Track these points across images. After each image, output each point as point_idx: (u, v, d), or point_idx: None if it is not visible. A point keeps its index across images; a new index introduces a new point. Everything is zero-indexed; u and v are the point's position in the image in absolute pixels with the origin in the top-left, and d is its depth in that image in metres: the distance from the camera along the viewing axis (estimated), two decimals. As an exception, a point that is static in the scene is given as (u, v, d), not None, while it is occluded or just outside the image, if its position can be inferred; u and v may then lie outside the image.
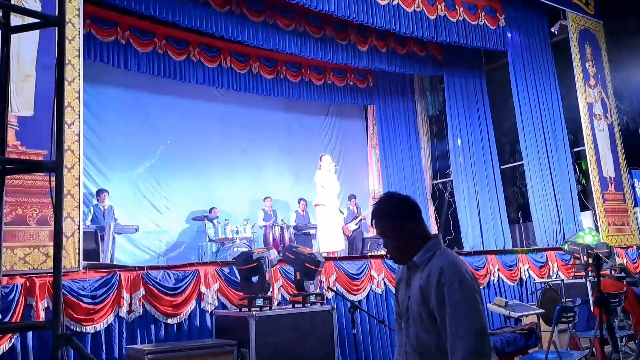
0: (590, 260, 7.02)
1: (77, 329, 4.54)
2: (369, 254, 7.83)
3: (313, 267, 5.21)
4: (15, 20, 2.39)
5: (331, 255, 7.45)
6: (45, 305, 4.42)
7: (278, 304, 5.56)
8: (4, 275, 4.25)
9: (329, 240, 8.93)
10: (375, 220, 2.25)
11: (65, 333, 1.96)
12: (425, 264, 2.13)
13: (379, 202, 2.28)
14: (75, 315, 4.55)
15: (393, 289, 6.51)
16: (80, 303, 4.59)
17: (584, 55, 9.90)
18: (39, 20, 2.05)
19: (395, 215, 2.20)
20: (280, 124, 12.02)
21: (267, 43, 8.79)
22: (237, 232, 9.27)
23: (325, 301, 5.41)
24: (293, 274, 5.45)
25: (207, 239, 9.49)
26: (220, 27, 8.24)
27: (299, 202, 10.74)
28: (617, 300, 5.88)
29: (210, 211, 9.92)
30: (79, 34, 5.32)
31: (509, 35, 9.78)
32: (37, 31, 4.98)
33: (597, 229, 9.10)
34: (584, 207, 9.68)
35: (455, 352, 1.95)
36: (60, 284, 2.00)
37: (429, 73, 11.28)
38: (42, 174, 4.63)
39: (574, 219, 9.28)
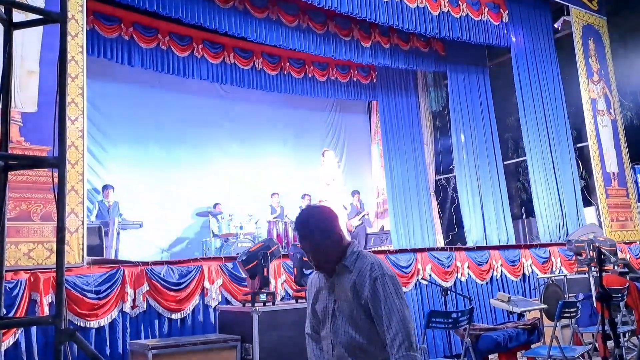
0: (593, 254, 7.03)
1: (81, 324, 4.57)
2: (372, 249, 7.85)
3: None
4: (18, 16, 2.40)
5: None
6: (50, 301, 4.45)
7: (281, 299, 5.57)
8: (8, 271, 4.28)
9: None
10: (303, 237, 2.34)
11: (68, 328, 1.98)
12: (354, 265, 2.29)
13: (304, 219, 2.38)
14: (79, 311, 4.58)
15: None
16: (84, 298, 4.62)
17: (587, 51, 9.87)
18: (41, 17, 2.06)
19: (324, 228, 2.32)
20: (283, 120, 12.03)
21: (270, 39, 8.80)
22: (241, 228, 9.30)
23: (328, 297, 5.41)
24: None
25: (211, 235, 9.53)
26: (223, 23, 8.25)
27: (303, 198, 10.76)
28: (619, 295, 5.88)
29: (214, 207, 9.95)
30: (83, 30, 5.34)
31: (512, 31, 9.76)
32: (41, 28, 5.00)
33: (600, 225, 9.08)
34: (587, 203, 9.66)
35: (394, 339, 2.13)
36: (63, 279, 2.01)
37: (433, 69, 11.26)
38: (46, 169, 4.65)
39: (577, 215, 9.27)
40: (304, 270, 5.28)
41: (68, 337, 1.98)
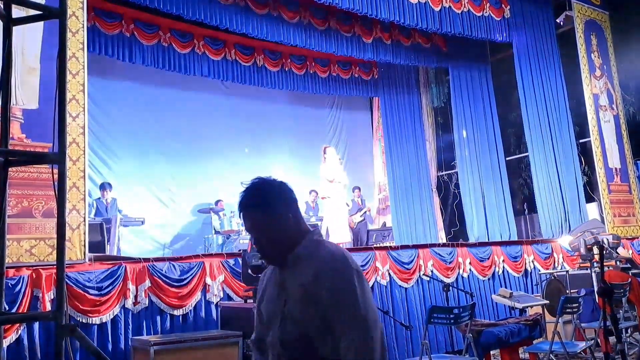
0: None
1: (84, 320, 4.59)
2: (374, 245, 7.86)
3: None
4: (18, 12, 2.40)
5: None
6: (52, 297, 4.47)
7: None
8: (10, 267, 4.30)
9: (336, 232, 8.96)
10: (245, 212, 1.89)
11: (69, 323, 1.99)
12: (310, 255, 1.86)
13: (249, 189, 1.90)
14: (81, 307, 4.59)
15: (398, 281, 6.56)
16: (86, 295, 4.64)
17: (589, 46, 9.83)
18: (40, 12, 2.06)
19: (271, 204, 1.87)
20: (285, 117, 12.03)
21: (271, 35, 8.78)
22: (242, 225, 9.29)
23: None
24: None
25: (213, 231, 9.55)
26: (224, 19, 8.23)
27: (309, 193, 10.76)
28: (622, 291, 5.87)
29: (216, 203, 9.96)
30: (83, 27, 5.33)
31: (514, 26, 9.72)
32: (41, 24, 5.00)
33: (602, 220, 9.06)
34: (589, 199, 9.64)
35: (347, 348, 1.72)
36: (64, 274, 2.02)
37: (434, 65, 11.24)
38: (47, 166, 4.65)
39: (579, 211, 9.25)
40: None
41: (69, 333, 1.99)
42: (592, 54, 9.83)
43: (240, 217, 1.91)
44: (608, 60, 10.11)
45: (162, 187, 10.30)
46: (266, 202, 1.87)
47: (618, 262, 7.23)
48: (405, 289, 6.66)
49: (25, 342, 4.30)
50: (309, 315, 1.78)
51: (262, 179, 1.93)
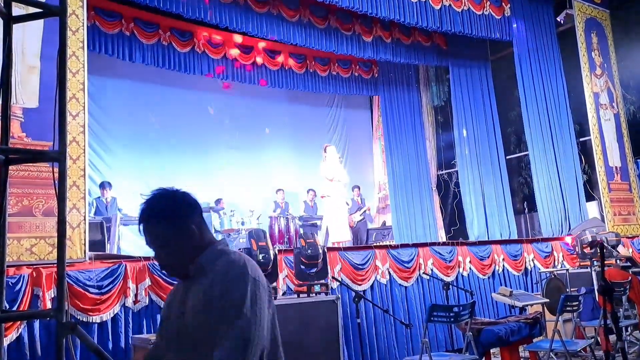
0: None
1: (84, 319, 4.58)
2: (374, 244, 7.86)
3: (307, 262, 5.17)
4: (18, 10, 2.40)
5: (336, 246, 7.47)
6: (52, 296, 4.46)
7: (283, 294, 5.58)
8: (11, 266, 4.29)
9: (336, 231, 8.96)
10: (146, 225, 1.80)
11: (69, 321, 1.98)
12: (212, 265, 1.75)
13: (148, 202, 1.83)
14: (81, 305, 4.59)
15: (398, 279, 6.56)
16: (87, 293, 4.63)
17: (590, 45, 9.83)
18: (40, 10, 2.06)
19: (171, 217, 1.79)
20: (285, 116, 12.03)
21: (271, 34, 8.79)
22: (242, 224, 9.30)
23: (330, 291, 5.43)
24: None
25: (213, 230, 9.53)
26: (224, 18, 8.23)
27: (307, 193, 10.77)
28: (622, 289, 5.87)
29: (217, 203, 9.96)
30: (83, 26, 5.33)
31: (515, 25, 9.72)
32: (42, 23, 5.00)
33: (602, 219, 9.07)
34: (589, 197, 9.64)
35: (221, 355, 1.60)
36: (64, 272, 2.02)
37: (434, 63, 11.23)
38: (48, 165, 4.66)
39: (579, 209, 9.25)
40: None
41: (69, 331, 1.98)
42: (592, 52, 9.82)
43: (139, 231, 1.80)
44: (608, 58, 10.10)
45: (162, 186, 10.25)
46: (166, 215, 1.78)
47: (618, 261, 7.23)
48: (405, 287, 6.66)
49: (26, 340, 4.30)
50: (204, 327, 1.67)
51: (162, 190, 1.86)
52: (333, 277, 5.87)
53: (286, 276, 5.78)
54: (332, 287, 5.77)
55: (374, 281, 6.38)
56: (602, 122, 9.58)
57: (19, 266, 4.45)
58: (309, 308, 5.02)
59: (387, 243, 9.11)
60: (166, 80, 10.31)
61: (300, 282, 5.30)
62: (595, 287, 6.54)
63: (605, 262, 5.26)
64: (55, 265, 4.45)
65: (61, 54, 1.97)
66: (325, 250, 5.41)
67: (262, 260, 4.80)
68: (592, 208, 9.55)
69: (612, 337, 5.94)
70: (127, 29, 8.89)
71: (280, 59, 10.77)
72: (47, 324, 4.44)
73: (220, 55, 10.03)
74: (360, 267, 6.31)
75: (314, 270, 5.17)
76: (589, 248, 7.37)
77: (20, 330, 4.27)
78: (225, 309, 1.65)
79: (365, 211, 11.12)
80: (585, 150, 9.84)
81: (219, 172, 10.92)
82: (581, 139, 9.85)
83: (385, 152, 12.28)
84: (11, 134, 2.33)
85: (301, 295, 5.19)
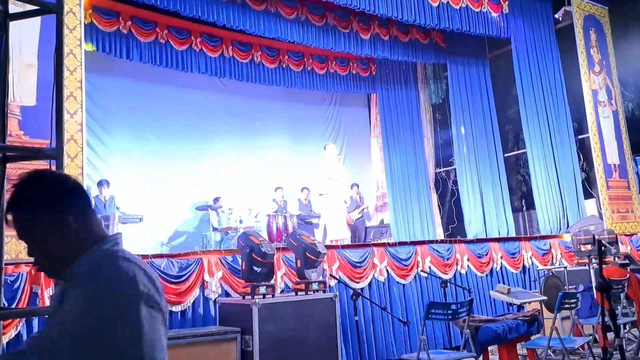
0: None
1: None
2: (372, 242, 7.87)
3: (313, 257, 5.22)
4: (15, 8, 2.39)
5: (334, 244, 7.47)
6: (50, 294, 4.47)
7: (281, 292, 5.59)
8: (9, 264, 4.29)
9: (334, 229, 8.97)
10: (13, 215, 1.48)
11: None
12: (87, 276, 1.43)
13: (18, 187, 1.48)
14: (80, 303, 4.58)
15: (396, 277, 6.57)
16: (85, 291, 4.63)
17: (588, 42, 9.82)
18: (37, 7, 2.06)
19: (46, 203, 1.47)
20: (283, 114, 12.02)
21: (269, 32, 8.77)
22: (240, 222, 9.31)
23: (327, 289, 5.44)
24: (294, 261, 5.48)
25: (211, 229, 9.55)
26: (221, 16, 8.22)
27: (302, 191, 10.78)
28: (620, 287, 5.88)
29: (215, 201, 9.96)
30: (80, 24, 5.33)
31: (513, 22, 9.72)
32: (39, 21, 4.99)
33: (600, 217, 9.08)
34: (588, 195, 9.65)
35: None
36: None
37: (432, 61, 11.23)
38: (45, 162, 4.65)
39: (577, 207, 9.26)
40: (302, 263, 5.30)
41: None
42: (591, 50, 9.82)
43: (7, 220, 1.50)
44: (607, 55, 10.10)
45: (160, 184, 10.29)
46: (35, 203, 1.46)
47: (616, 258, 7.24)
48: (403, 285, 6.66)
49: (25, 338, 4.30)
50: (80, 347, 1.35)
51: (36, 173, 1.51)
52: (331, 275, 5.88)
53: (284, 274, 5.79)
54: (329, 285, 5.78)
55: (371, 279, 6.39)
56: (600, 120, 9.59)
57: (18, 264, 4.45)
58: (307, 306, 5.03)
59: (385, 241, 9.12)
60: (164, 78, 10.30)
61: (300, 280, 5.31)
62: (594, 285, 6.56)
63: (604, 259, 5.27)
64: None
65: (58, 51, 1.97)
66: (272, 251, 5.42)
67: (268, 252, 4.82)
68: (590, 206, 9.57)
69: (610, 335, 5.97)
70: (125, 27, 8.87)
71: (277, 57, 10.76)
72: (46, 322, 4.44)
73: (218, 53, 10.02)
74: (358, 265, 6.32)
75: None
76: (587, 246, 7.38)
77: (19, 328, 4.28)
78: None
79: (363, 209, 11.13)
80: (583, 148, 9.84)
81: (217, 171, 10.92)
82: (579, 137, 9.85)
83: (383, 150, 12.29)
84: (9, 132, 2.33)
85: (299, 293, 5.20)
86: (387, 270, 6.54)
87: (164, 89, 10.49)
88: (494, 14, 9.42)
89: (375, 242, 8.36)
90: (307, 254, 5.26)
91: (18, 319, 4.24)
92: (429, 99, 12.34)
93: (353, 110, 13.25)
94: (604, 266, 4.08)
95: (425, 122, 12.25)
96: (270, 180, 11.02)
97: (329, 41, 9.41)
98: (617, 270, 6.58)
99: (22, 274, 4.40)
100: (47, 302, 4.41)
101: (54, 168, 2.01)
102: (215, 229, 9.52)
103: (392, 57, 10.33)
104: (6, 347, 4.12)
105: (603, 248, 4.18)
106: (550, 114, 9.57)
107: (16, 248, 4.54)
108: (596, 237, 6.79)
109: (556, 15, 9.98)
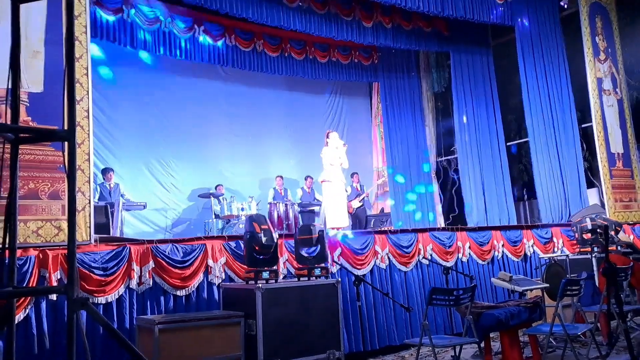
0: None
1: (90, 300, 4.64)
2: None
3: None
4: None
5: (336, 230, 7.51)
6: (59, 277, 4.54)
7: (284, 278, 5.64)
8: (18, 248, 4.34)
9: (335, 216, 8.99)
10: None
11: (80, 297, 2.02)
12: None
13: None
14: (87, 287, 4.66)
15: (397, 264, 6.62)
16: (92, 275, 4.70)
17: (594, 29, 9.72)
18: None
19: None
20: (284, 102, 12.02)
21: (271, 20, 8.72)
22: (242, 209, 9.35)
23: (330, 275, 5.49)
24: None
25: (213, 216, 9.60)
26: (224, 4, 8.17)
27: (305, 180, 10.80)
28: (623, 275, 5.91)
29: (216, 188, 10.02)
30: (86, 10, 5.33)
31: (517, 9, 9.65)
32: (45, 8, 5.01)
33: (603, 206, 9.08)
34: (590, 184, 9.64)
35: None
36: (75, 249, 2.05)
37: (435, 49, 11.17)
38: (53, 149, 4.71)
39: (580, 196, 9.25)
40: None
41: (80, 306, 2.02)
42: (596, 37, 9.71)
43: None
44: (613, 43, 9.98)
45: (163, 172, 10.36)
46: None
47: (619, 247, 7.28)
48: (405, 272, 6.71)
49: (33, 320, 4.37)
50: None
51: None
52: (333, 261, 5.93)
53: (287, 260, 5.84)
54: (332, 271, 5.84)
55: (373, 266, 6.44)
56: (604, 108, 9.53)
57: (26, 248, 4.50)
58: (309, 291, 5.09)
59: (387, 228, 9.15)
60: (166, 67, 10.32)
61: (302, 266, 5.36)
62: (596, 273, 6.60)
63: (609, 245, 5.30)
64: (61, 247, 4.52)
65: (68, 35, 1.99)
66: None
67: (265, 243, 4.85)
68: (592, 195, 9.56)
69: (613, 324, 6.03)
70: (128, 15, 8.87)
71: (279, 45, 10.73)
72: (54, 304, 4.51)
73: (220, 41, 10.02)
74: (359, 251, 6.37)
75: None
76: (589, 234, 7.41)
77: (27, 310, 4.34)
78: None
79: (364, 197, 11.15)
80: (586, 137, 9.80)
81: (218, 159, 10.96)
82: (583, 125, 9.80)
83: (384, 139, 12.29)
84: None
85: (302, 278, 5.26)
86: (388, 258, 6.59)
87: (166, 78, 10.49)
88: (498, 1, 9.36)
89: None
90: (299, 237, 5.32)
91: (27, 301, 4.30)
92: (431, 87, 12.31)
93: (354, 99, 13.24)
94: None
95: (427, 111, 12.24)
96: (272, 169, 11.06)
97: (331, 29, 9.36)
98: (620, 258, 6.61)
99: (31, 258, 4.46)
100: (55, 285, 4.47)
101: (65, 150, 2.04)
102: (217, 217, 9.57)
103: (394, 46, 10.30)
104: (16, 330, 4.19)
105: (607, 234, 4.21)
106: (554, 103, 9.53)
107: (24, 232, 4.59)
108: (600, 223, 6.83)
109: (561, 3, 9.86)
